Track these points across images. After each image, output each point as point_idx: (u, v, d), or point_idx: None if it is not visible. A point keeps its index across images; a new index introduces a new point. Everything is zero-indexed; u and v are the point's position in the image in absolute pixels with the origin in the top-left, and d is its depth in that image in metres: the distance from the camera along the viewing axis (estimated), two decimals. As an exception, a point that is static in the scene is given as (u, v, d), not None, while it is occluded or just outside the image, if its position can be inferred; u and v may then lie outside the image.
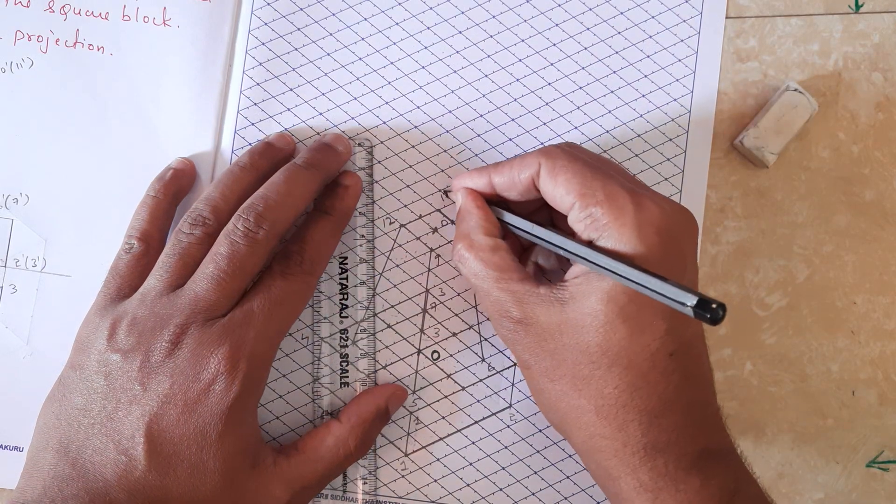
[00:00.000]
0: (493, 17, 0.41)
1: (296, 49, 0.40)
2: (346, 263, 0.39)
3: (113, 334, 0.33)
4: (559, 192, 0.33)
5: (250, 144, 0.40)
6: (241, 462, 0.33)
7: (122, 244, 0.37)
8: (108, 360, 0.33)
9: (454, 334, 0.40)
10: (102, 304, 0.35)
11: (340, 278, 0.39)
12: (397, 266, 0.40)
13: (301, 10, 0.40)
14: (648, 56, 0.40)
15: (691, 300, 0.27)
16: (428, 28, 0.41)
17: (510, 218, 0.36)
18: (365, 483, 0.38)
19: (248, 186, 0.36)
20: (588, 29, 0.40)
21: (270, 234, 0.34)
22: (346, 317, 0.39)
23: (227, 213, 0.35)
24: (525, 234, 0.35)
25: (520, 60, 0.40)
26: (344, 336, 0.39)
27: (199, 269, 0.34)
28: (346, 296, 0.39)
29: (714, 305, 0.27)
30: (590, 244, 0.32)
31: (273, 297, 0.34)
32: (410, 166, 0.40)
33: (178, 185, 0.39)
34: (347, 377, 0.39)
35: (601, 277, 0.31)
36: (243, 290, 0.34)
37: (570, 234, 0.34)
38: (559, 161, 0.33)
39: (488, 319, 0.39)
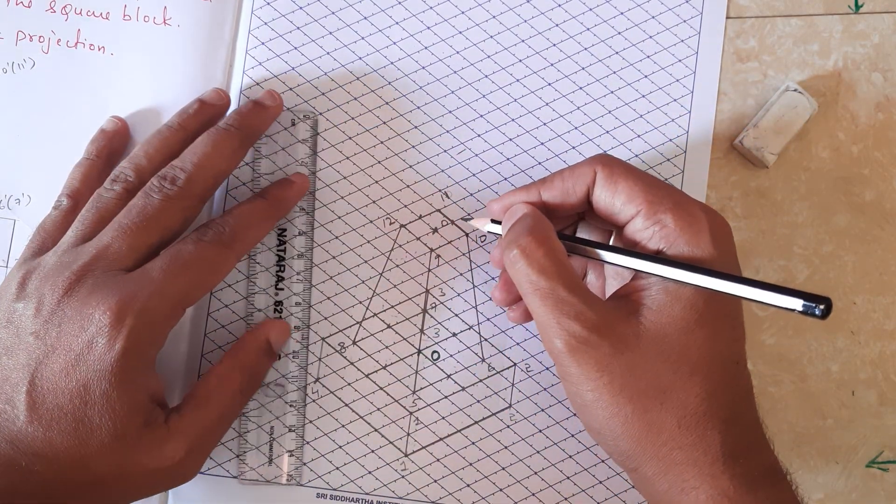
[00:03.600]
0: (494, 17, 0.41)
1: (295, 48, 0.40)
2: (285, 235, 0.39)
3: (22, 284, 0.33)
4: (619, 200, 0.32)
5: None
6: (131, 420, 0.32)
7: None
8: (12, 309, 0.33)
9: (454, 335, 0.40)
10: (23, 258, 0.35)
11: (278, 250, 0.39)
12: (397, 266, 0.40)
13: (301, 8, 0.41)
14: (648, 56, 0.40)
15: (798, 304, 0.28)
16: (428, 28, 0.41)
17: (566, 237, 0.34)
18: (291, 455, 0.38)
19: (174, 147, 0.36)
20: (588, 29, 0.40)
21: (185, 192, 0.34)
22: (283, 289, 0.39)
23: (150, 173, 0.35)
24: (588, 256, 0.34)
25: (520, 61, 0.40)
26: (278, 308, 0.39)
27: (111, 222, 0.34)
28: (282, 268, 0.39)
29: (822, 305, 0.28)
30: (657, 253, 0.32)
31: (179, 260, 0.33)
32: (410, 166, 0.40)
33: (110, 146, 0.39)
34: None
35: (679, 286, 0.31)
36: (153, 249, 0.34)
37: (616, 242, 0.34)
38: (616, 169, 0.33)
39: (490, 318, 0.40)
